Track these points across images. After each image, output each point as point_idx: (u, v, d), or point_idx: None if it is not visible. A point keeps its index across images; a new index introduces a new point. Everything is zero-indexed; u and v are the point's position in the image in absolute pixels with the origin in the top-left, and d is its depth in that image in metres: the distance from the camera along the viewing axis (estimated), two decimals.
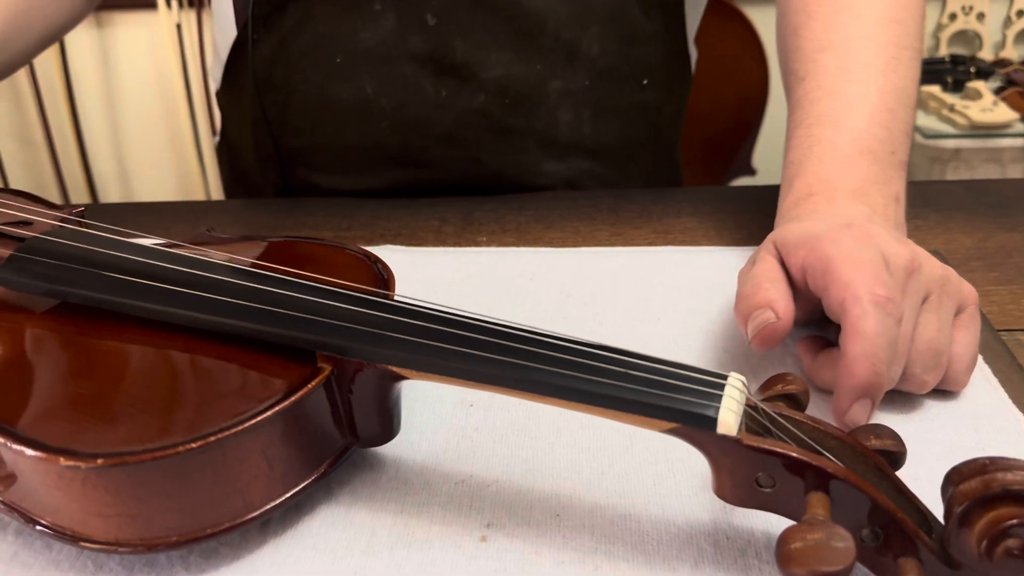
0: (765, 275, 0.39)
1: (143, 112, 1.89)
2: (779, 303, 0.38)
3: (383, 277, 0.39)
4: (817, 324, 0.43)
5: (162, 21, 1.73)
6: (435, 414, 0.39)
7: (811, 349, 0.41)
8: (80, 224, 0.47)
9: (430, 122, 0.65)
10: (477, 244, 0.58)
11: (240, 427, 0.30)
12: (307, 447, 0.33)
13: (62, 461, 0.29)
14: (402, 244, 0.58)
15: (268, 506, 0.32)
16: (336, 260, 0.40)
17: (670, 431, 0.29)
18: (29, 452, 0.29)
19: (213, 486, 0.30)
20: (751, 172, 1.63)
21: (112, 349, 0.34)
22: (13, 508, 0.32)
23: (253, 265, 0.37)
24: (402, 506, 0.34)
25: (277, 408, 0.31)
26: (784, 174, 0.48)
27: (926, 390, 0.39)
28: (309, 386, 0.32)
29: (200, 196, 1.91)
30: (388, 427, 0.34)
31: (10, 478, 0.32)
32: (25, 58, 0.63)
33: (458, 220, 0.62)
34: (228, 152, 0.78)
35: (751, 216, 0.60)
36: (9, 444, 0.29)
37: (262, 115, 0.68)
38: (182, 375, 0.33)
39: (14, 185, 1.92)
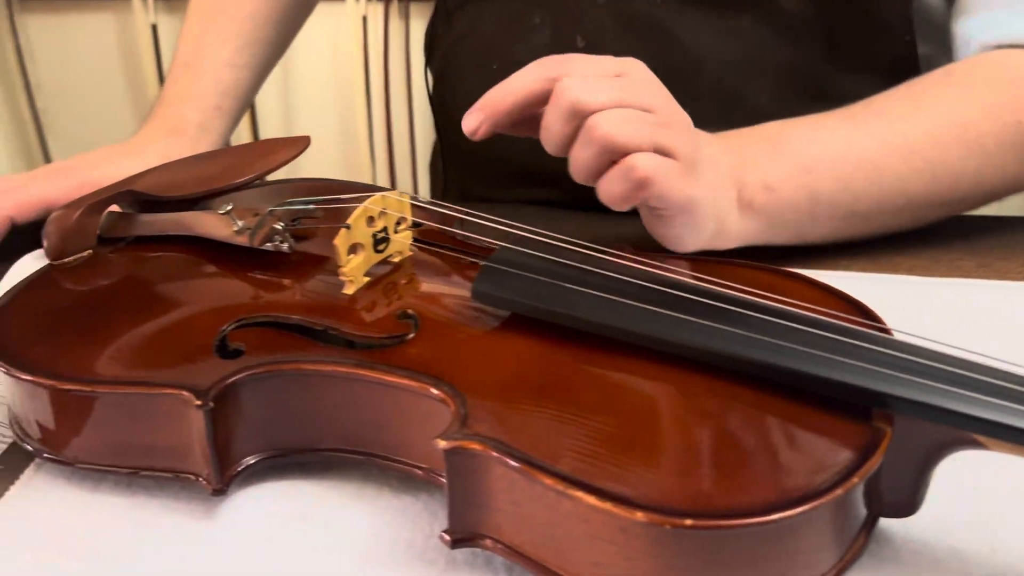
0: None
1: (318, 103, 1.91)
2: None
3: (871, 315, 0.34)
4: None
5: (348, 12, 1.74)
6: None
7: None
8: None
9: None
10: (839, 268, 0.53)
11: (830, 495, 0.26)
12: (855, 516, 0.29)
13: (638, 516, 0.25)
14: None
15: None
16: (799, 292, 0.36)
17: None
18: (591, 501, 0.26)
19: (778, 559, 0.26)
20: None
21: (623, 383, 0.31)
22: (520, 554, 0.29)
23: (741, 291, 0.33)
24: None
25: (856, 477, 0.26)
26: None
27: None
28: (880, 451, 0.27)
29: None
30: (918, 498, 0.30)
31: (497, 519, 0.28)
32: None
33: None
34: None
35: None
36: (565, 490, 0.26)
37: (435, 112, 0.72)
38: (726, 424, 0.29)
39: None
